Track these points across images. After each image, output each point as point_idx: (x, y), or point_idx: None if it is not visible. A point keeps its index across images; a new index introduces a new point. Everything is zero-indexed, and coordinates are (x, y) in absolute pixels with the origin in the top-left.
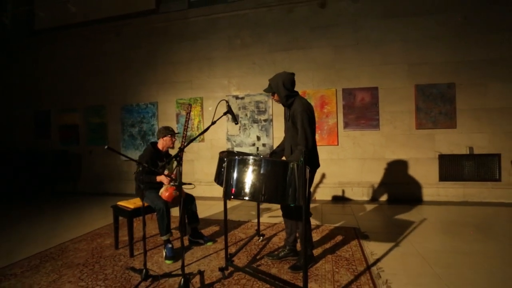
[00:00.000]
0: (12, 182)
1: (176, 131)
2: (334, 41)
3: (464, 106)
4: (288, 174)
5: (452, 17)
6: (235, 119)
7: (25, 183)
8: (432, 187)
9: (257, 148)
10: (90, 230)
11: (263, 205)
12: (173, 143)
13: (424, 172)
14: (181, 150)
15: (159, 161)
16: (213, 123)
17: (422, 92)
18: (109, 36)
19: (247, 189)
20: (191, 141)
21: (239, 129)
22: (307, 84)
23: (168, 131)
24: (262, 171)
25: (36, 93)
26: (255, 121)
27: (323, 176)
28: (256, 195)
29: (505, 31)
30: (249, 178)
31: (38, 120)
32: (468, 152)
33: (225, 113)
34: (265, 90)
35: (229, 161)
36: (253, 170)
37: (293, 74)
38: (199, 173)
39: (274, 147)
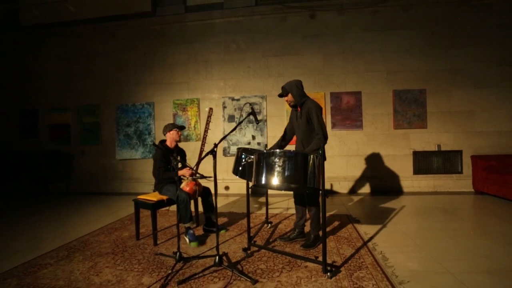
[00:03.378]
0: (1, 183)
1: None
2: (323, 49)
3: (433, 109)
4: (309, 163)
5: (422, 32)
6: (256, 119)
7: (16, 184)
8: (408, 180)
9: (266, 145)
10: (102, 226)
11: (263, 198)
12: (179, 136)
13: (401, 166)
14: (216, 145)
15: (171, 157)
16: (240, 122)
17: (399, 96)
18: (103, 36)
19: (277, 176)
20: (225, 137)
21: (236, 129)
22: None
23: (173, 125)
24: (288, 161)
25: (22, 91)
26: (250, 122)
27: None
28: (283, 182)
29: (465, 46)
30: (278, 166)
31: (24, 120)
32: (436, 149)
33: (249, 114)
34: (280, 95)
35: (259, 154)
36: (283, 161)
37: (301, 81)
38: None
39: (268, 145)
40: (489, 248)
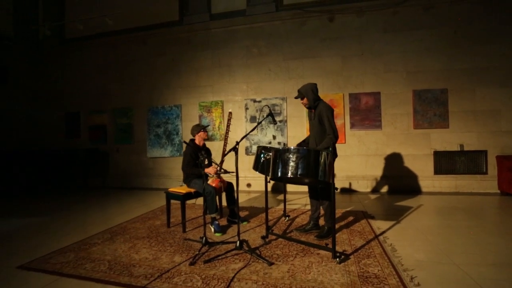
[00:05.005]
0: (48, 177)
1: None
2: (341, 51)
3: (455, 109)
4: (320, 158)
5: (444, 31)
6: (274, 120)
7: (60, 178)
8: (428, 180)
9: (284, 144)
10: (137, 215)
11: (282, 196)
12: (206, 135)
13: (421, 166)
14: (238, 143)
15: (199, 154)
16: (259, 123)
17: (419, 96)
18: (136, 44)
19: (291, 169)
20: (245, 136)
21: (257, 129)
22: (318, 89)
23: (200, 127)
24: (301, 157)
25: (67, 96)
26: (271, 122)
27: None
28: (296, 175)
29: (490, 44)
30: (292, 162)
31: (68, 121)
32: (459, 149)
33: (267, 115)
34: (296, 97)
35: (277, 151)
36: (296, 157)
37: (316, 84)
38: None
39: (288, 145)
40: (499, 245)
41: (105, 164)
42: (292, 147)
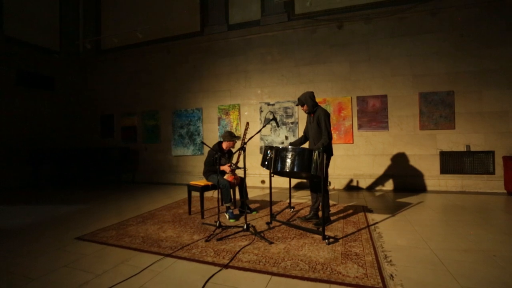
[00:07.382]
0: (86, 172)
1: (236, 135)
2: (350, 57)
3: (462, 110)
4: (313, 156)
5: (450, 34)
6: (277, 124)
7: (96, 173)
8: (434, 179)
9: (290, 143)
10: (163, 205)
11: (293, 191)
12: (233, 145)
13: (427, 166)
14: (245, 143)
15: (222, 156)
16: (263, 127)
17: (425, 99)
18: (161, 53)
19: (287, 165)
20: (250, 139)
21: (270, 130)
22: (327, 92)
23: (231, 137)
24: (296, 154)
25: (102, 100)
26: (283, 124)
27: (341, 168)
28: (292, 168)
29: (497, 47)
30: (288, 159)
31: (103, 123)
32: (465, 150)
33: (271, 120)
34: (297, 104)
35: (276, 149)
36: (292, 154)
37: (313, 92)
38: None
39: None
40: (481, 236)
41: (135, 161)
42: (290, 147)
